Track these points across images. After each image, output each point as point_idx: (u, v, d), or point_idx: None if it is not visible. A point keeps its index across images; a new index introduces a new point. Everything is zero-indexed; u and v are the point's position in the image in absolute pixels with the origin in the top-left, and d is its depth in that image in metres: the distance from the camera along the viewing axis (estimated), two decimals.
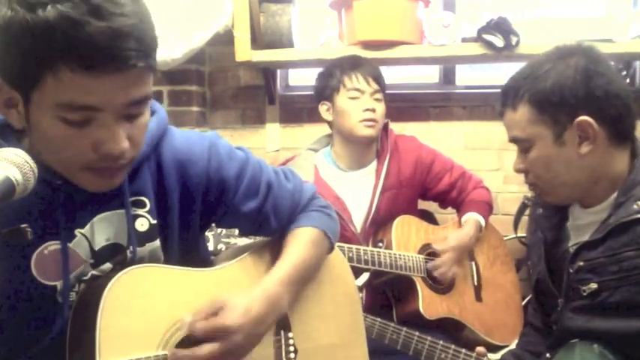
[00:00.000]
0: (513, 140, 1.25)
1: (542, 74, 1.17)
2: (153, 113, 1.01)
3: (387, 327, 1.59)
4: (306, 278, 1.15)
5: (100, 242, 0.98)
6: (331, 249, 1.21)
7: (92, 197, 0.95)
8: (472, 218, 1.94)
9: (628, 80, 2.43)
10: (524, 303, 1.99)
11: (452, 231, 1.96)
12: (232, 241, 1.64)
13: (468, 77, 2.63)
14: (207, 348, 0.94)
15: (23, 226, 0.87)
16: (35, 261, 0.94)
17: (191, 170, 1.03)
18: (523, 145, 1.23)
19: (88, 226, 0.96)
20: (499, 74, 2.47)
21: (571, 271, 1.25)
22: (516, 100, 1.20)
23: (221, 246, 1.65)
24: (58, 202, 0.92)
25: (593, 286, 1.21)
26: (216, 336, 0.95)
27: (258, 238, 1.25)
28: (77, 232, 0.96)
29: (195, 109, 2.54)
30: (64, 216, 0.93)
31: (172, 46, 2.22)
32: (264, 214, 1.13)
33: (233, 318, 0.96)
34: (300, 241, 1.14)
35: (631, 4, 2.41)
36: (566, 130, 1.16)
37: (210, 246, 1.67)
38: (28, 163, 0.75)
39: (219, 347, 0.94)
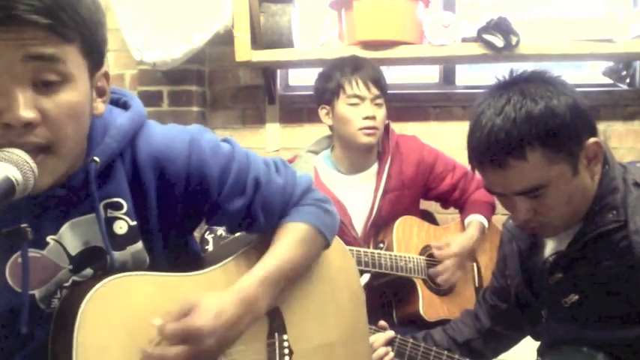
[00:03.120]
0: (526, 192, 1.12)
1: (540, 112, 1.08)
2: (128, 107, 0.97)
3: (379, 331, 1.57)
4: (291, 278, 1.09)
5: (76, 247, 0.94)
6: (327, 245, 1.16)
7: (60, 202, 0.91)
8: (475, 220, 1.92)
9: (628, 80, 2.43)
10: None
11: (454, 235, 1.94)
12: None
13: (468, 77, 2.63)
14: (175, 349, 0.90)
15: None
16: (9, 271, 0.91)
17: (169, 168, 0.96)
18: (536, 192, 1.11)
19: (59, 232, 0.92)
20: (499, 74, 2.47)
21: (550, 282, 1.23)
22: (525, 148, 1.07)
23: None
24: (23, 210, 0.88)
25: (574, 297, 1.20)
26: (186, 338, 0.91)
27: None
28: (49, 238, 0.92)
29: (195, 109, 2.53)
30: (30, 224, 0.87)
31: (172, 46, 2.22)
32: (253, 213, 1.07)
33: (204, 320, 0.92)
34: (288, 239, 1.08)
35: (631, 4, 2.42)
36: (579, 159, 1.11)
37: (210, 248, 1.66)
38: (28, 163, 0.74)
39: (189, 350, 0.90)
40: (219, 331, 0.94)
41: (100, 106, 0.89)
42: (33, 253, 0.92)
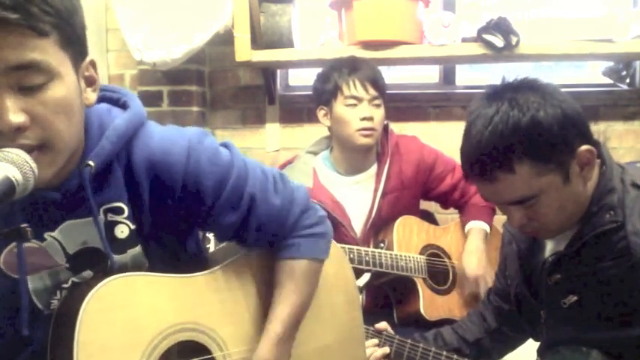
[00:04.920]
0: (516, 202, 1.13)
1: (526, 125, 1.07)
2: (127, 108, 0.96)
3: (380, 336, 1.57)
4: (302, 318, 1.13)
5: (74, 246, 0.94)
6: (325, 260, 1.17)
7: (56, 206, 0.90)
8: (476, 228, 1.91)
9: (628, 80, 2.43)
10: None
11: (452, 238, 1.94)
12: None
13: (468, 77, 2.63)
14: None
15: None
16: (4, 258, 0.92)
17: (164, 173, 0.95)
18: (527, 202, 1.12)
19: (57, 231, 0.92)
20: (499, 74, 2.47)
21: (549, 283, 1.23)
22: (512, 161, 1.08)
23: None
24: (18, 212, 0.87)
25: (573, 298, 1.20)
26: None
27: None
28: (47, 235, 0.92)
29: (195, 109, 2.53)
30: (25, 219, 0.87)
31: (172, 46, 2.22)
32: (245, 229, 1.06)
33: None
34: (294, 282, 1.09)
35: (631, 4, 2.42)
36: (570, 167, 1.11)
37: (212, 247, 1.66)
38: (28, 163, 0.74)
39: None
40: None
41: (91, 95, 0.88)
42: (31, 243, 0.91)
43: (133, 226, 0.96)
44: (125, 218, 0.95)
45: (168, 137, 0.97)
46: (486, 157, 1.10)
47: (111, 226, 0.95)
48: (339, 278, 1.24)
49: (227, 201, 1.02)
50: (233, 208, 1.03)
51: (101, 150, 0.90)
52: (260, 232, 1.07)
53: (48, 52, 0.76)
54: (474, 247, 1.87)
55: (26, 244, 0.91)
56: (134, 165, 0.94)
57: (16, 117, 0.75)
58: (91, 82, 0.88)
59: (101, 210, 0.93)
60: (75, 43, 0.81)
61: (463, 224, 1.97)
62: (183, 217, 1.02)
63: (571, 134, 1.11)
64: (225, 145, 1.05)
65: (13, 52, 0.73)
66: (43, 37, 0.75)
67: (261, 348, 1.05)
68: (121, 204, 0.94)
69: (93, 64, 0.88)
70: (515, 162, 1.08)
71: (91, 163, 0.88)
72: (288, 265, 1.10)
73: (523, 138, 1.07)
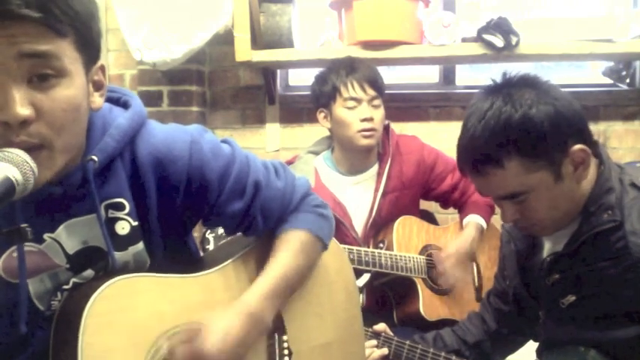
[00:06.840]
0: (507, 197, 1.14)
1: (517, 121, 1.08)
2: (128, 107, 0.97)
3: (377, 338, 1.57)
4: (294, 287, 1.11)
5: (73, 246, 0.94)
6: (324, 248, 1.17)
7: (57, 201, 0.90)
8: (473, 221, 1.92)
9: (628, 80, 2.43)
10: None
11: (452, 237, 1.95)
12: None
13: (468, 77, 2.64)
14: None
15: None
16: (3, 264, 0.91)
17: (169, 168, 0.96)
18: (518, 197, 1.13)
19: (57, 231, 0.92)
20: (499, 74, 2.47)
21: (548, 283, 1.24)
22: (502, 157, 1.09)
23: None
24: (18, 208, 0.87)
25: (572, 298, 1.20)
26: None
27: None
28: (46, 236, 0.92)
29: (195, 109, 2.54)
30: (26, 222, 0.87)
31: (172, 46, 2.22)
32: (251, 216, 1.07)
33: (212, 343, 0.93)
34: (289, 248, 1.08)
35: (631, 4, 2.43)
36: (562, 165, 1.11)
37: (211, 247, 1.66)
38: (28, 163, 0.74)
39: None
40: (227, 353, 0.95)
41: (98, 100, 0.88)
42: (29, 247, 0.91)
43: (134, 223, 0.96)
44: (126, 214, 0.95)
45: (171, 133, 0.98)
46: (477, 152, 1.12)
47: (111, 222, 0.95)
48: (339, 274, 1.24)
49: (232, 190, 1.03)
50: (239, 196, 1.04)
51: (105, 146, 0.91)
52: (266, 217, 1.08)
53: (63, 51, 0.77)
54: (465, 234, 1.88)
55: (25, 248, 0.90)
56: (139, 163, 0.95)
57: (23, 109, 0.75)
58: (99, 86, 0.89)
59: (102, 206, 0.93)
60: (89, 47, 0.83)
61: (461, 220, 1.97)
62: (191, 212, 1.03)
63: (564, 133, 1.11)
64: (225, 142, 1.07)
65: (28, 41, 0.74)
66: (61, 37, 0.77)
67: (247, 295, 1.02)
68: (122, 200, 0.95)
69: (103, 68, 0.89)
70: (504, 157, 1.10)
71: (94, 157, 0.89)
72: (285, 234, 1.10)
73: (513, 134, 1.09)
